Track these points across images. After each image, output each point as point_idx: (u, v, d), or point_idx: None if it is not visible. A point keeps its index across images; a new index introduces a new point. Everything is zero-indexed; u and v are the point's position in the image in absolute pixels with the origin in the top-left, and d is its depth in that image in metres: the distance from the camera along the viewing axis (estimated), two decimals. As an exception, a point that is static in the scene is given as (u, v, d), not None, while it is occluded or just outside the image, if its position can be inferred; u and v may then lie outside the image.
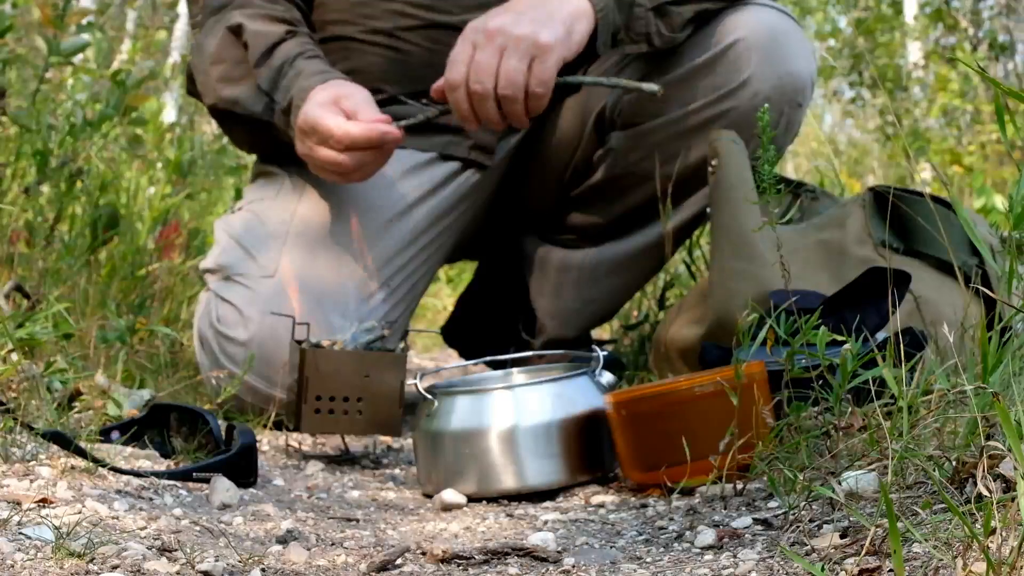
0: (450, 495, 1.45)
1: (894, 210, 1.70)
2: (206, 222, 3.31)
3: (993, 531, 0.83)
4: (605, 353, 1.56)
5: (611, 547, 1.17)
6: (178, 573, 0.99)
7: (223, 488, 1.33)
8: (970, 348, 1.36)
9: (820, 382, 1.25)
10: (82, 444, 1.30)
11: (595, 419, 1.47)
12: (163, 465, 1.43)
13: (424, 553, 1.13)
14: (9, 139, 2.39)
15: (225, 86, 1.87)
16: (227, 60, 1.86)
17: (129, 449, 1.47)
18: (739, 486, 1.28)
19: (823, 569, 0.93)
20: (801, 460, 1.20)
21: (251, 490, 1.42)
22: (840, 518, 1.06)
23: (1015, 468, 0.84)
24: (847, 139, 8.80)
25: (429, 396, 1.51)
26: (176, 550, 1.05)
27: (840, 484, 1.08)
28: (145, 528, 1.13)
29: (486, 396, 1.48)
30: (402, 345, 1.71)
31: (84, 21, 2.44)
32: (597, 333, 2.40)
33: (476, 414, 1.47)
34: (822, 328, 1.25)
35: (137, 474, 1.33)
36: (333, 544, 1.20)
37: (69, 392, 1.56)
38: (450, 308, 2.50)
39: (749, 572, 1.00)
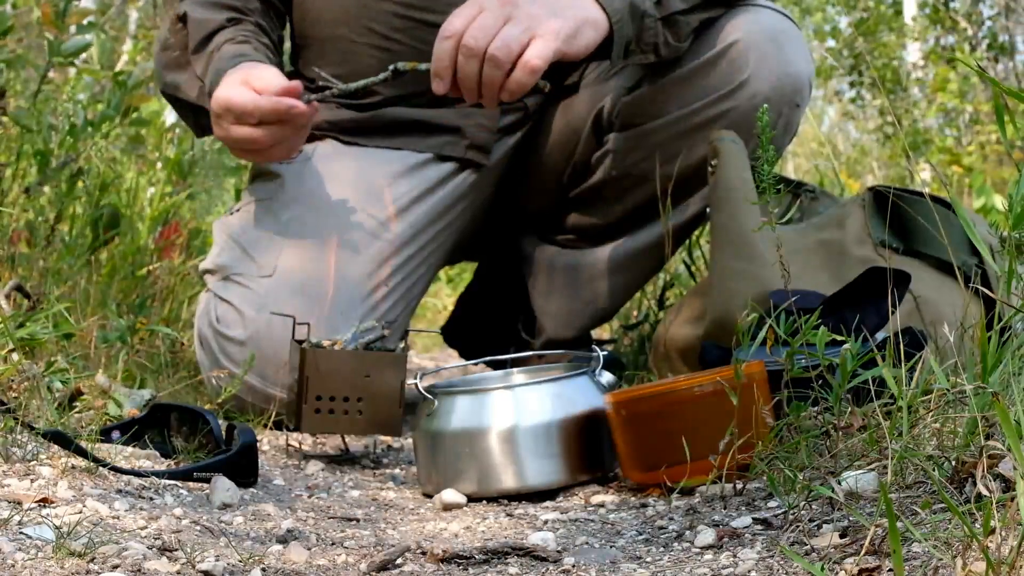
0: (450, 495, 1.45)
1: (894, 210, 1.70)
2: (206, 222, 3.31)
3: (993, 531, 0.83)
4: (605, 353, 1.56)
5: (611, 547, 1.17)
6: (178, 573, 1.00)
7: (223, 488, 1.33)
8: (970, 348, 1.36)
9: (820, 382, 1.25)
10: (83, 444, 1.30)
11: (595, 419, 1.47)
12: (163, 465, 1.43)
13: (424, 553, 1.13)
14: (10, 139, 2.39)
15: (170, 72, 1.93)
16: (173, 47, 1.92)
17: (129, 449, 1.47)
18: (739, 486, 1.28)
19: (823, 569, 0.93)
20: (801, 460, 1.20)
21: (251, 490, 1.42)
22: (840, 518, 1.06)
23: (1015, 468, 0.84)
24: (847, 139, 8.80)
25: (429, 396, 1.51)
26: (176, 550, 1.05)
27: (840, 484, 1.09)
28: (145, 528, 1.13)
29: (486, 396, 1.48)
30: (402, 345, 1.71)
31: (85, 21, 2.44)
32: (597, 333, 2.40)
33: (476, 414, 1.47)
34: (822, 328, 1.25)
35: (137, 474, 1.33)
36: (333, 544, 1.20)
37: (70, 392, 1.56)
38: (450, 308, 2.50)
39: (749, 572, 1.00)
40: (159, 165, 3.09)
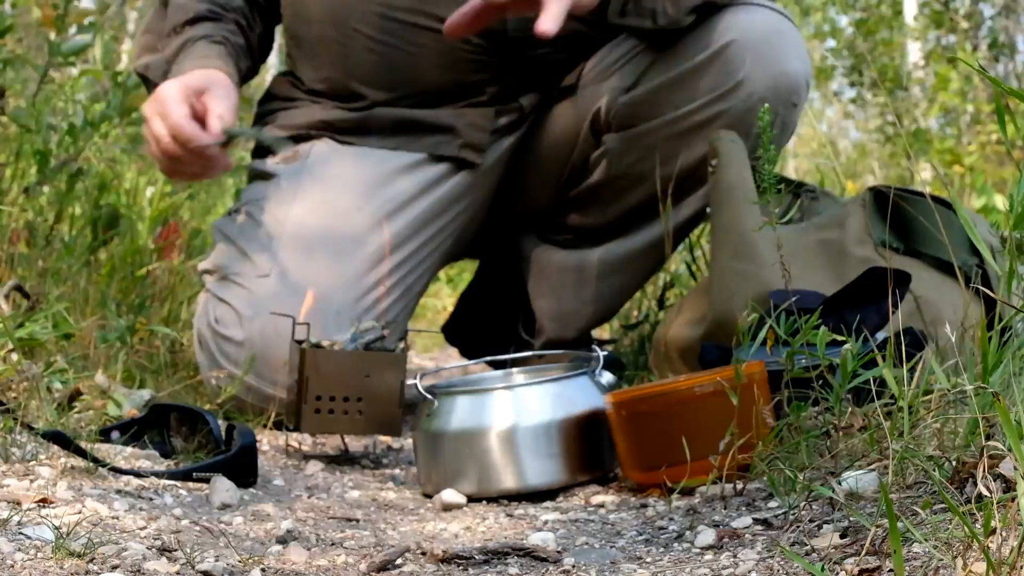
0: (450, 495, 1.45)
1: (894, 210, 1.70)
2: (206, 222, 3.31)
3: (993, 531, 0.83)
4: (605, 353, 1.56)
5: (611, 547, 1.17)
6: (178, 573, 0.99)
7: (223, 488, 1.33)
8: (970, 348, 1.36)
9: (820, 382, 1.25)
10: (82, 444, 1.30)
11: (595, 419, 1.47)
12: (163, 465, 1.43)
13: (424, 553, 1.13)
14: (9, 139, 2.39)
15: (144, 53, 1.97)
16: (153, 31, 1.97)
17: (129, 449, 1.47)
18: (739, 486, 1.28)
19: (823, 569, 0.93)
20: (801, 460, 1.20)
21: (251, 490, 1.42)
22: (840, 518, 1.06)
23: (1015, 468, 0.84)
24: (847, 139, 8.81)
25: (429, 396, 1.51)
26: (176, 550, 1.05)
27: (840, 484, 1.08)
28: (145, 528, 1.13)
29: (486, 396, 1.48)
30: (402, 345, 1.71)
31: (85, 22, 2.44)
32: (597, 333, 2.39)
33: (476, 414, 1.47)
34: (822, 328, 1.25)
35: (137, 474, 1.33)
36: (333, 544, 1.19)
37: (69, 392, 1.56)
38: (450, 308, 2.50)
39: (749, 572, 1.00)
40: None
